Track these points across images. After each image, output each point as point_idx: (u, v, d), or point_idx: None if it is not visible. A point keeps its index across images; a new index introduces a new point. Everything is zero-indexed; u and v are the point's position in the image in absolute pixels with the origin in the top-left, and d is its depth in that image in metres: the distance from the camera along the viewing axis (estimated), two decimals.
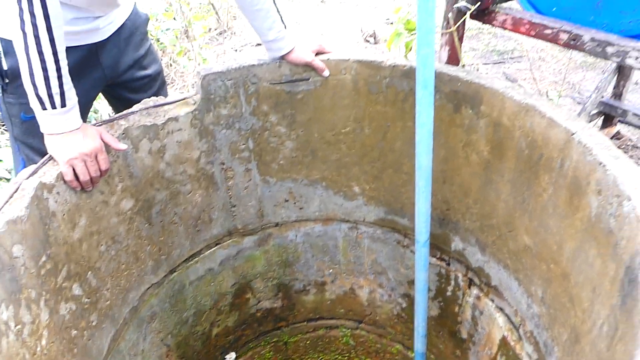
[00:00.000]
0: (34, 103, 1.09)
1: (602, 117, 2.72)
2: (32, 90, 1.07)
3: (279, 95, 1.57)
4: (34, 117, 1.13)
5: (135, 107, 1.39)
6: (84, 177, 1.18)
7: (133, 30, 1.56)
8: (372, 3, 5.30)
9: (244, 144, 1.63)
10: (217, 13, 4.68)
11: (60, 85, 1.09)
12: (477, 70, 3.29)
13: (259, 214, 1.81)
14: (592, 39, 1.26)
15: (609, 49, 1.23)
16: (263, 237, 1.89)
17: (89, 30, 1.39)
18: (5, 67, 1.29)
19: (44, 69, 1.05)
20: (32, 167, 1.14)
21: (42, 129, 1.13)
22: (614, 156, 1.02)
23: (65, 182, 1.17)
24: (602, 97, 2.58)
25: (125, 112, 1.37)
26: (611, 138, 2.60)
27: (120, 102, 1.63)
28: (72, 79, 1.14)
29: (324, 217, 1.88)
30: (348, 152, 1.69)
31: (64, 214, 1.18)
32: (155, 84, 1.68)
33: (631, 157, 2.52)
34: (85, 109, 1.52)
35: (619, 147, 2.53)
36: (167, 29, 3.51)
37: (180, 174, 1.53)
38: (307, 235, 1.93)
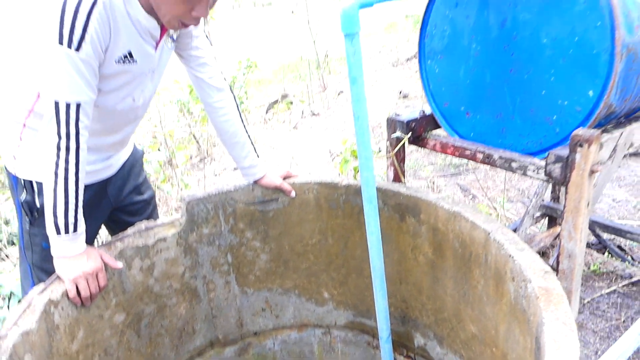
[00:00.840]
0: (50, 230, 1.32)
1: (547, 219, 3.04)
2: (52, 219, 1.30)
3: (253, 214, 1.83)
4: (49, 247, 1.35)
5: (129, 230, 1.62)
6: (85, 293, 1.38)
7: (134, 163, 1.82)
8: (340, 127, 5.86)
9: (223, 259, 1.84)
10: (197, 142, 5.11)
11: (76, 215, 1.32)
12: (433, 183, 3.66)
13: (239, 323, 1.97)
14: (500, 157, 1.59)
15: (514, 164, 1.55)
16: (243, 347, 2.02)
17: (104, 168, 1.64)
18: (37, 205, 1.50)
19: (66, 203, 1.29)
20: (42, 285, 1.33)
21: (53, 252, 1.35)
22: (519, 249, 1.27)
23: (69, 298, 1.36)
24: (543, 200, 2.91)
25: (121, 234, 1.60)
26: (556, 237, 2.90)
27: (116, 225, 1.84)
28: (85, 211, 1.37)
29: (299, 323, 2.05)
30: (316, 261, 1.91)
31: (65, 327, 1.35)
32: (149, 208, 1.92)
33: None
34: (95, 233, 1.74)
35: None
36: (151, 160, 3.86)
37: (167, 288, 1.72)
38: (284, 343, 2.07)
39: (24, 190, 1.49)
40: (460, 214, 1.48)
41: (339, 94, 7.48)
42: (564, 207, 1.39)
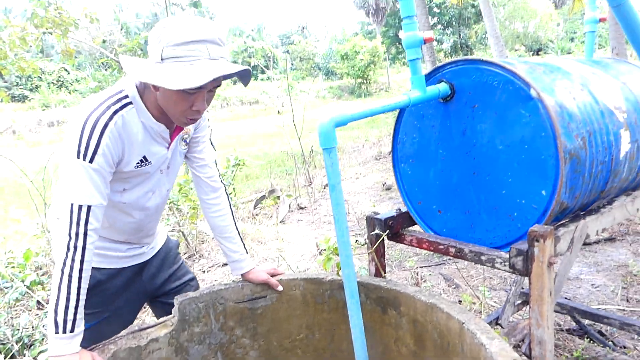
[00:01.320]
0: (50, 327, 1.41)
1: (528, 306, 3.11)
2: (52, 315, 1.41)
3: (242, 312, 1.91)
4: (93, 325, 1.60)
5: (123, 332, 1.69)
6: None
7: (167, 252, 2.00)
8: (326, 220, 6.01)
9: (213, 357, 1.89)
10: (186, 239, 5.20)
11: (75, 314, 1.42)
12: (417, 273, 3.75)
13: None
14: (471, 251, 1.72)
15: (483, 257, 1.69)
16: None
17: (136, 255, 1.84)
18: None
19: (67, 300, 1.41)
20: None
21: (49, 351, 1.42)
22: (490, 337, 1.37)
23: None
24: (522, 288, 3.01)
25: (114, 337, 1.66)
26: None
27: (163, 307, 1.97)
28: (120, 292, 1.61)
29: None
30: (304, 356, 1.97)
31: None
32: (191, 288, 2.03)
33: (558, 339, 2.86)
34: (130, 318, 1.89)
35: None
36: None
37: None
38: None
39: None
40: (436, 305, 1.59)
41: (324, 187, 7.73)
42: (529, 296, 1.51)
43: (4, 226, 4.76)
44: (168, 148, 1.67)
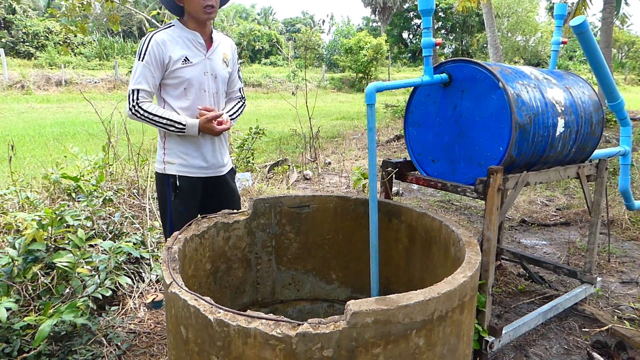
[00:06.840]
0: (183, 135, 2.46)
1: None
2: (176, 132, 2.41)
3: (292, 214, 2.79)
4: (187, 209, 2.40)
5: (220, 213, 2.56)
6: (219, 127, 2.49)
7: (232, 175, 2.84)
8: (328, 190, 6.89)
9: (269, 242, 2.77)
10: None
11: (173, 120, 2.39)
12: None
13: (272, 292, 2.85)
14: (451, 185, 2.62)
15: (459, 188, 2.59)
16: (272, 310, 2.88)
17: (215, 169, 2.66)
18: (178, 184, 2.50)
19: (165, 124, 2.40)
20: (183, 229, 2.25)
21: (193, 136, 2.47)
22: (456, 226, 2.26)
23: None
24: None
25: (216, 213, 2.53)
26: (497, 268, 3.88)
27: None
28: (199, 193, 2.51)
29: (312, 297, 2.93)
30: (329, 251, 2.85)
31: (189, 257, 2.25)
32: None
33: (507, 281, 3.79)
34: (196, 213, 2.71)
35: (501, 276, 3.78)
36: None
37: (234, 255, 2.62)
38: (300, 312, 2.94)
39: (171, 179, 2.53)
40: (426, 213, 2.48)
41: (326, 164, 8.61)
42: (485, 210, 2.41)
43: (69, 160, 5.56)
44: (206, 55, 2.48)
